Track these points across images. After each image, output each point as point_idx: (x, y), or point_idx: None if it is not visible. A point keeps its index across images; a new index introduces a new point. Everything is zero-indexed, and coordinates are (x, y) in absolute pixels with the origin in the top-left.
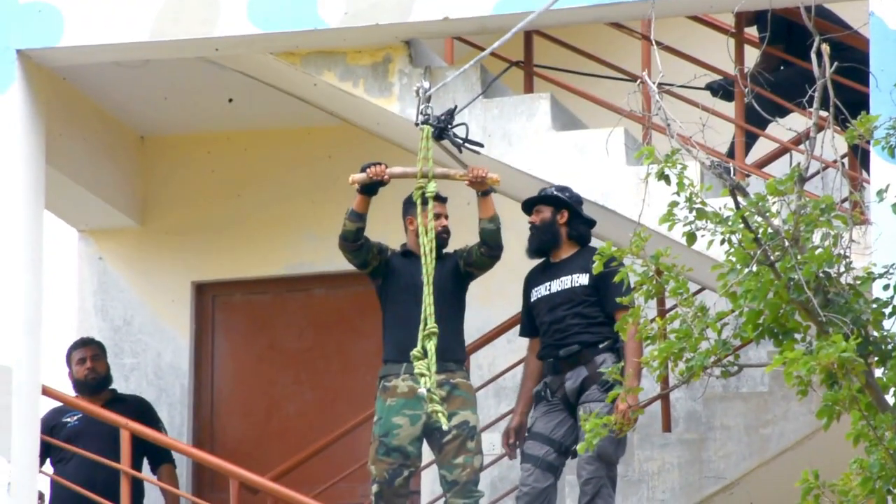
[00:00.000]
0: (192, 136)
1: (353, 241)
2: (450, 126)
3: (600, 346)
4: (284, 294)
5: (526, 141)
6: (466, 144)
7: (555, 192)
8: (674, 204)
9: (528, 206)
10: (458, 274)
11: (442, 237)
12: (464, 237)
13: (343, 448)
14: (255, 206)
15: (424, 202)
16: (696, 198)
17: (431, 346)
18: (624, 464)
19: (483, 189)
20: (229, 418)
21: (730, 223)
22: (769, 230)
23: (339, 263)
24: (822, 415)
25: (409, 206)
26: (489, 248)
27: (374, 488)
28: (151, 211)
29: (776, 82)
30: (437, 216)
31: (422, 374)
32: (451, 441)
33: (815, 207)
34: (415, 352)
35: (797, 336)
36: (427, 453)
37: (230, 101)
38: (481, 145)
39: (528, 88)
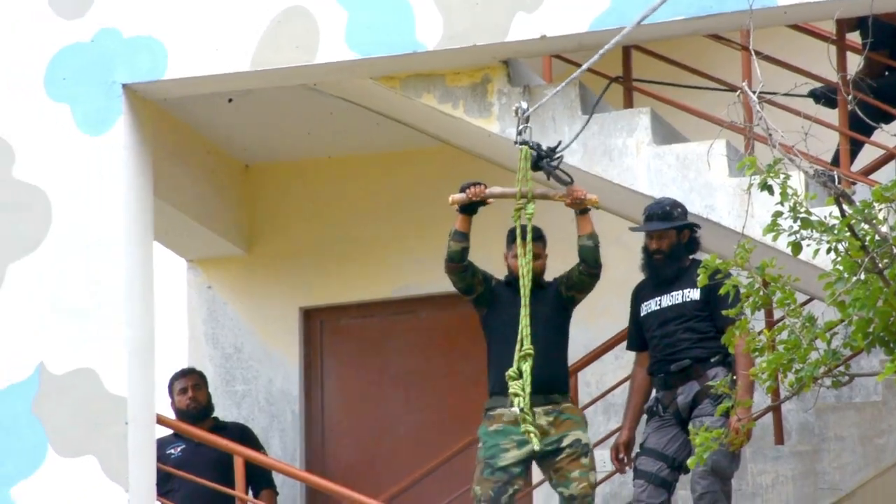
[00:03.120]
0: (296, 164)
1: (459, 262)
2: (550, 158)
3: (712, 360)
4: (391, 317)
5: (627, 156)
6: (558, 172)
7: (676, 211)
8: (778, 214)
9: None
10: (561, 301)
11: (538, 270)
12: (564, 255)
13: (454, 468)
14: (359, 231)
15: (524, 229)
16: (801, 207)
17: (527, 367)
18: (737, 478)
19: (582, 208)
20: (340, 442)
21: (836, 232)
22: (876, 237)
23: (445, 285)
24: None
25: (509, 239)
26: (588, 266)
27: None
28: (257, 238)
29: (880, 88)
30: (536, 256)
31: (516, 395)
32: (564, 458)
33: None
34: (510, 372)
35: None
36: (536, 476)
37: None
38: (571, 181)
39: (628, 103)
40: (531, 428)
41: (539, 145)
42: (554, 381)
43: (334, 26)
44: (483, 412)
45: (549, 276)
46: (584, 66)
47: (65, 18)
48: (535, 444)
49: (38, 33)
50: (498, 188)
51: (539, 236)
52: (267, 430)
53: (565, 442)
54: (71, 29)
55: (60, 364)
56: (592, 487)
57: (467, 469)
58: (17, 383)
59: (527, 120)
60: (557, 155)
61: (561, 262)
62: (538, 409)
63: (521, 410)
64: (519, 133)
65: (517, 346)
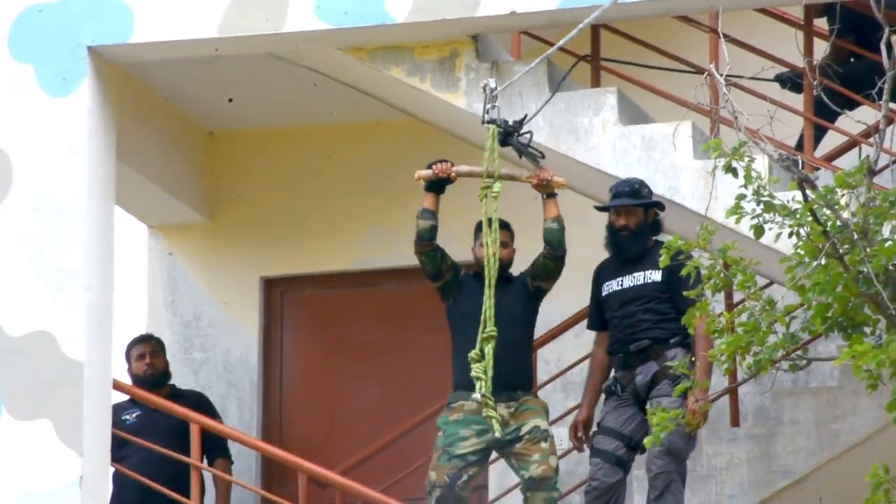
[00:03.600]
0: (261, 132)
1: (428, 240)
2: (517, 133)
3: (671, 341)
4: (353, 289)
5: (593, 135)
6: (529, 149)
7: (642, 191)
8: (741, 197)
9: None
10: (528, 294)
11: (504, 259)
12: (529, 235)
13: (411, 442)
14: (323, 202)
15: (489, 220)
16: (764, 191)
17: (489, 349)
18: (692, 459)
19: (549, 191)
20: (298, 413)
21: (798, 216)
22: (838, 223)
23: (408, 258)
24: (893, 408)
25: (476, 231)
26: (553, 249)
27: (436, 493)
28: (220, 207)
29: (846, 75)
30: (503, 245)
31: (478, 378)
32: (524, 444)
33: (884, 200)
34: (472, 353)
35: (866, 329)
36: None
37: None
38: (542, 156)
39: (595, 82)
40: (493, 414)
41: (506, 122)
42: (517, 378)
43: None
44: (446, 405)
45: (515, 271)
46: (558, 45)
47: None
48: (497, 432)
49: None
50: (465, 166)
51: (506, 226)
52: (224, 399)
53: (524, 430)
54: None
55: (17, 326)
56: (554, 471)
57: (424, 443)
58: None
59: (494, 99)
60: (525, 131)
61: (528, 249)
62: (499, 403)
63: (483, 395)
64: (486, 112)
65: (480, 328)
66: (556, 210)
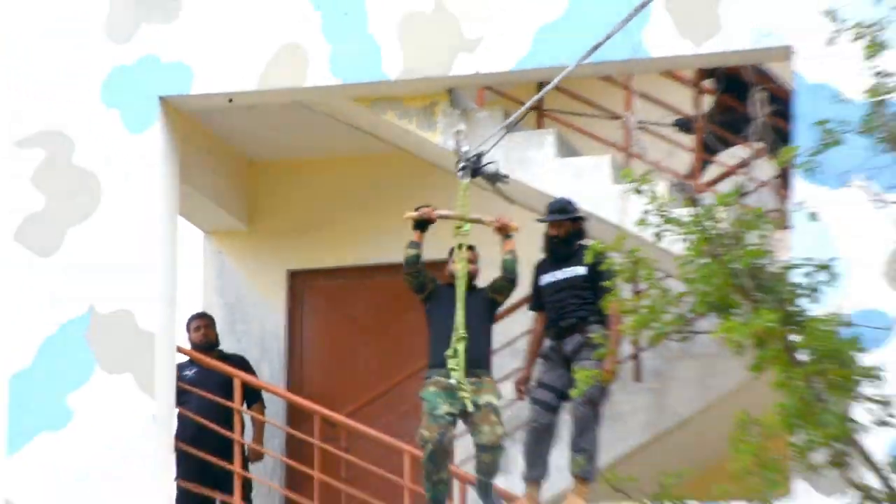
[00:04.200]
0: (289, 160)
1: (414, 265)
2: (480, 167)
3: (591, 319)
4: (356, 279)
5: (537, 165)
6: (500, 181)
7: (571, 207)
8: (646, 212)
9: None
10: (488, 301)
11: (471, 273)
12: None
13: (400, 393)
14: (335, 215)
15: (461, 248)
16: (663, 208)
17: (461, 347)
18: (606, 406)
19: (506, 233)
20: (314, 370)
21: (688, 227)
22: (717, 232)
23: (395, 258)
24: (755, 370)
25: (450, 252)
26: (507, 274)
27: (428, 448)
28: (257, 217)
29: (725, 121)
30: (471, 261)
31: (453, 370)
32: (479, 415)
33: (752, 214)
34: (448, 351)
35: (736, 311)
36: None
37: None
38: (507, 177)
39: (539, 125)
40: (466, 394)
41: (476, 158)
42: (479, 360)
43: (321, 58)
44: (424, 378)
45: (481, 285)
46: (527, 105)
47: (116, 43)
48: (469, 406)
49: (97, 55)
50: (444, 210)
51: (472, 248)
52: (260, 360)
53: (481, 402)
54: (121, 54)
55: (106, 306)
56: (500, 438)
57: (409, 394)
58: (74, 319)
59: (467, 154)
60: (488, 162)
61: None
62: (467, 379)
63: (458, 382)
64: (460, 168)
65: (454, 332)
66: (511, 245)
